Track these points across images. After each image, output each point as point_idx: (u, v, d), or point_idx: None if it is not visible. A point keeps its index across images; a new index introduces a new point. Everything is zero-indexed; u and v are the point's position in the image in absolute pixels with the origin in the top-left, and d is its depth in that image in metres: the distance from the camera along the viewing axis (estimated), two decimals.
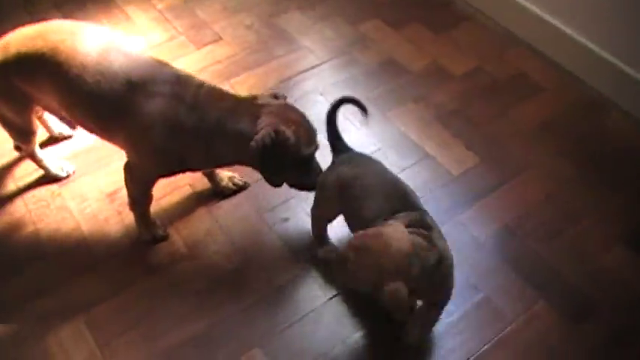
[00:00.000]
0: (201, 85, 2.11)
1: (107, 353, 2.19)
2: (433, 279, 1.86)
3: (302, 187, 2.21)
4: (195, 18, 3.40)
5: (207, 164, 2.24)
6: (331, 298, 2.30)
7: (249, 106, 2.07)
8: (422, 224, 1.90)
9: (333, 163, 2.19)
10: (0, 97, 2.31)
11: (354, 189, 2.05)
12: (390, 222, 1.87)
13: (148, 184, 2.33)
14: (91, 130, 2.28)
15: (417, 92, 3.00)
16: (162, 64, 2.15)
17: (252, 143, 1.96)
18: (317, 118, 2.52)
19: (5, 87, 2.25)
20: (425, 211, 2.02)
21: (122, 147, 2.24)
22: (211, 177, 2.57)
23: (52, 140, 2.81)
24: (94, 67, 2.09)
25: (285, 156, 2.02)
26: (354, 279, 1.84)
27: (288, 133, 1.99)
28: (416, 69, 3.11)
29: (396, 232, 1.81)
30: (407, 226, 1.85)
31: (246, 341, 2.19)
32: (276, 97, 2.14)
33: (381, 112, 2.90)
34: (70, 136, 2.85)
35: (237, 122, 2.02)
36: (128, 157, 2.26)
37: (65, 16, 3.25)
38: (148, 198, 2.38)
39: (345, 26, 3.33)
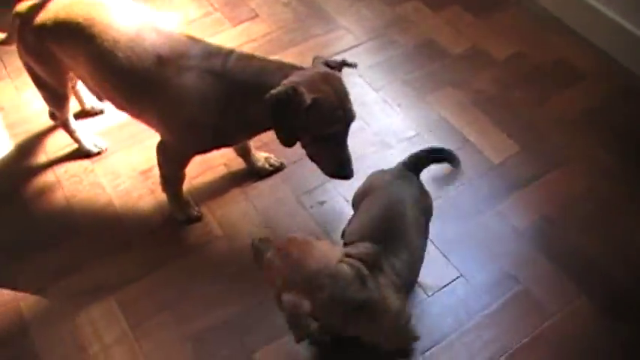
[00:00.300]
0: (230, 52, 2.05)
1: (138, 334, 2.17)
2: (347, 317, 1.76)
3: (321, 165, 2.09)
4: None
5: (241, 133, 2.15)
6: None
7: (280, 66, 1.99)
8: (372, 263, 1.78)
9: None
10: (35, 59, 2.31)
11: (366, 197, 2.03)
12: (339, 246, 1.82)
13: (181, 163, 2.29)
14: (121, 107, 2.25)
15: (456, 76, 2.93)
16: (193, 40, 2.10)
17: (267, 96, 1.87)
18: (355, 99, 2.46)
19: (41, 49, 2.24)
20: (401, 259, 1.86)
21: (153, 125, 2.21)
22: (247, 157, 2.52)
23: (84, 114, 2.79)
24: (126, 43, 2.06)
25: (297, 117, 1.89)
26: (266, 277, 1.79)
27: (307, 96, 1.86)
28: (455, 52, 3.05)
29: (327, 251, 1.75)
30: (348, 255, 1.77)
31: (278, 328, 2.15)
32: (328, 65, 2.03)
33: (419, 96, 2.84)
34: (101, 111, 2.82)
35: (264, 80, 1.93)
36: (161, 135, 2.22)
37: None
38: (181, 178, 2.35)
39: (383, 7, 3.27)
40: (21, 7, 2.26)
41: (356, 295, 1.72)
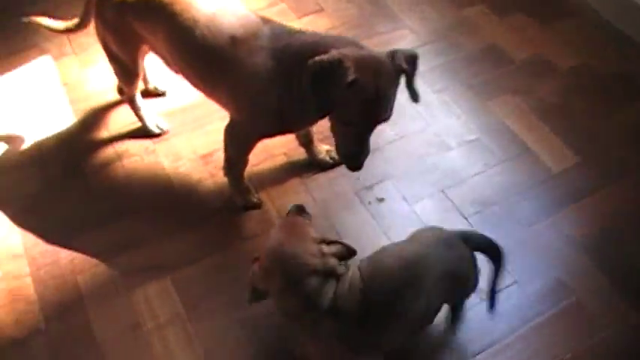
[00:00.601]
0: (294, 32, 2.05)
1: (192, 315, 2.20)
2: (298, 292, 1.73)
3: (336, 145, 2.04)
4: None
5: (304, 115, 2.10)
6: None
7: (336, 41, 1.93)
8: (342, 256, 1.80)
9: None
10: (113, 33, 2.35)
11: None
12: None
13: (248, 145, 2.31)
14: (195, 84, 2.28)
15: (519, 83, 2.92)
16: (264, 20, 2.13)
17: (310, 61, 1.82)
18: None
19: (120, 23, 2.28)
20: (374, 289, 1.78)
21: (223, 103, 2.23)
22: (309, 148, 2.54)
23: (146, 94, 2.82)
24: (204, 22, 2.09)
25: (333, 90, 1.82)
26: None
27: (351, 72, 1.78)
28: (519, 59, 3.03)
29: (308, 232, 1.79)
30: (323, 242, 1.79)
31: None
32: (392, 56, 1.90)
33: (480, 101, 2.83)
34: (163, 93, 2.86)
35: (316, 53, 1.85)
36: (231, 114, 2.25)
37: None
38: (244, 162, 2.37)
39: (448, 8, 3.26)
40: None
41: (309, 276, 1.72)
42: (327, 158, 2.56)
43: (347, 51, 1.84)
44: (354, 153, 1.98)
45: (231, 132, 2.27)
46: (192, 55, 2.14)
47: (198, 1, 2.13)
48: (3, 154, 2.68)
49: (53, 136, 2.74)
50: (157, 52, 2.37)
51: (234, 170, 2.39)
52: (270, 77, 2.00)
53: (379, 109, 1.88)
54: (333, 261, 1.77)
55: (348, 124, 1.91)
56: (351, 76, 1.78)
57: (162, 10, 2.14)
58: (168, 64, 2.40)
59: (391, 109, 1.91)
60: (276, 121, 2.11)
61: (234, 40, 2.05)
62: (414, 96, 1.99)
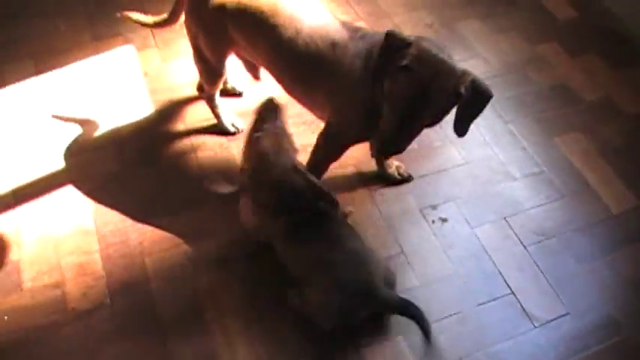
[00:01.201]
0: (376, 33, 2.19)
1: (254, 309, 2.28)
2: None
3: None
4: (376, 6, 3.45)
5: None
6: (480, 305, 2.32)
7: (421, 39, 2.01)
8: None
9: None
10: (206, 34, 2.43)
11: None
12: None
13: (339, 149, 2.39)
14: (291, 88, 2.38)
15: (585, 123, 2.97)
16: (353, 24, 2.27)
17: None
18: (488, 129, 2.64)
19: (216, 27, 2.37)
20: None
21: (320, 107, 2.33)
22: (380, 161, 2.62)
23: (224, 93, 2.90)
24: (307, 31, 2.20)
25: (391, 68, 1.94)
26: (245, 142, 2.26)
27: (410, 58, 1.89)
28: (587, 99, 3.08)
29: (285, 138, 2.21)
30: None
31: (392, 331, 2.25)
32: (463, 76, 1.93)
33: (547, 136, 2.89)
34: (240, 93, 2.95)
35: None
36: (327, 118, 2.33)
37: None
38: (327, 167, 2.46)
39: (522, 43, 3.32)
40: None
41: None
42: (396, 174, 2.63)
43: (425, 44, 1.93)
44: (388, 137, 2.01)
45: (326, 136, 2.35)
46: (294, 62, 2.24)
47: (299, 12, 2.23)
48: (82, 134, 2.78)
49: (132, 123, 2.84)
50: (253, 59, 2.46)
51: (316, 174, 2.46)
52: (363, 76, 2.10)
53: (419, 108, 1.93)
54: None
55: (393, 107, 1.97)
56: (405, 61, 1.89)
57: (264, 22, 2.23)
58: (251, 67, 2.49)
59: (435, 117, 1.99)
60: (367, 122, 2.18)
61: (334, 45, 2.16)
62: (459, 129, 2.03)
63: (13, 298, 2.31)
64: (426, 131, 2.50)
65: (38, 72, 3.04)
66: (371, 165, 2.67)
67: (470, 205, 2.58)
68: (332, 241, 2.12)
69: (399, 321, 2.19)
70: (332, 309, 2.07)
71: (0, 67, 3.06)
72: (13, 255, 2.42)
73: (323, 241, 2.12)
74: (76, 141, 2.78)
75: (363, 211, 2.54)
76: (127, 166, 2.68)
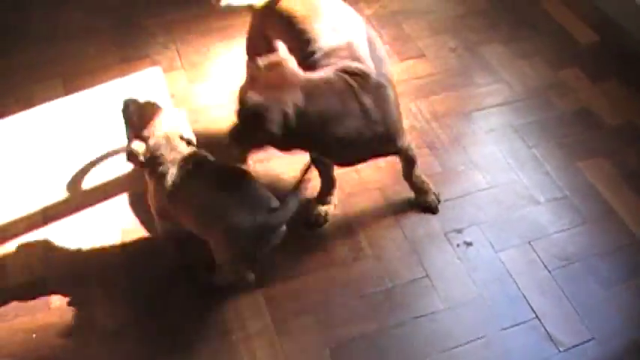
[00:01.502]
0: None
1: (281, 329, 2.30)
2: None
3: None
4: (400, 30, 3.49)
5: None
6: (505, 329, 2.33)
7: None
8: None
9: None
10: (252, 39, 2.55)
11: None
12: None
13: None
14: None
15: (608, 148, 2.97)
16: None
17: None
18: (512, 153, 2.78)
19: (257, 32, 2.49)
20: None
21: None
22: (416, 187, 2.66)
23: None
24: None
25: None
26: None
27: None
28: (610, 124, 3.08)
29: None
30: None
31: (416, 354, 2.26)
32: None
33: (570, 160, 2.90)
34: None
35: None
36: None
37: None
38: None
39: (545, 68, 3.34)
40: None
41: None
42: (436, 200, 2.66)
43: None
44: None
45: None
46: None
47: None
48: (110, 153, 2.85)
49: None
50: None
51: None
52: None
53: None
54: None
55: None
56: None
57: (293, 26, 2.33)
58: None
59: None
60: None
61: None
62: None
63: (41, 317, 2.34)
64: (450, 155, 2.56)
65: (67, 92, 3.09)
66: (395, 188, 2.70)
67: (494, 229, 2.60)
68: (214, 188, 2.17)
69: None
70: (234, 252, 2.20)
71: (30, 86, 3.12)
72: (41, 273, 2.46)
73: (205, 190, 2.17)
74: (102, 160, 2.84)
75: (387, 234, 2.57)
76: None
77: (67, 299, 2.38)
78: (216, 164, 2.26)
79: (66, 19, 3.51)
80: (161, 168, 2.18)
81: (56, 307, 2.36)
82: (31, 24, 3.50)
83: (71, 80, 3.15)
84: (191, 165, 2.19)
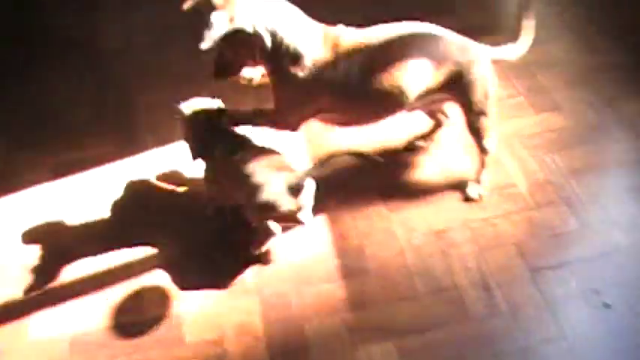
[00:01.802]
0: None
1: None
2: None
3: None
4: (535, 82, 3.45)
5: None
6: None
7: None
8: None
9: None
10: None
11: None
12: None
13: None
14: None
15: None
16: None
17: None
18: None
19: None
20: None
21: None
22: None
23: None
24: None
25: None
26: None
27: None
28: None
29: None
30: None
31: None
32: None
33: None
34: None
35: None
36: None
37: None
38: None
39: None
40: None
41: None
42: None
43: None
44: None
45: None
46: None
47: None
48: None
49: None
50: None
51: None
52: None
53: None
54: None
55: None
56: None
57: None
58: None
59: None
60: None
61: None
62: None
63: (176, 351, 2.41)
64: (587, 212, 2.55)
65: None
66: (532, 245, 2.66)
67: (636, 291, 2.51)
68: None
69: None
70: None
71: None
72: (176, 309, 2.53)
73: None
74: None
75: (523, 291, 2.52)
76: None
77: (199, 336, 2.44)
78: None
79: None
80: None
81: (191, 343, 2.43)
82: None
83: None
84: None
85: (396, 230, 2.74)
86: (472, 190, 2.83)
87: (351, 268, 2.62)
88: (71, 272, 2.66)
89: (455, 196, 2.82)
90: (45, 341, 2.45)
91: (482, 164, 2.81)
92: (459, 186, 2.88)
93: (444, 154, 3.06)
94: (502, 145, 3.03)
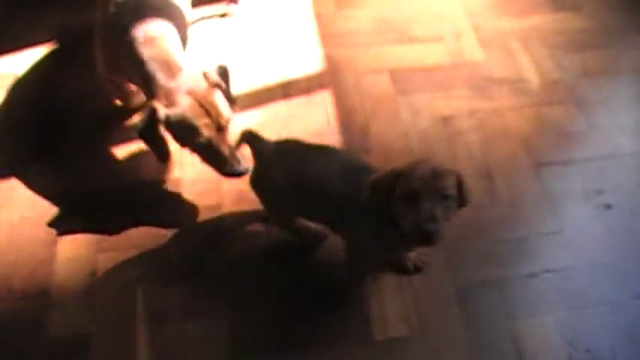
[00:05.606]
0: None
1: None
2: None
3: None
4: None
5: None
6: (636, 299, 2.25)
7: None
8: None
9: None
10: None
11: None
12: None
13: None
14: None
15: None
16: None
17: None
18: None
19: None
20: None
21: None
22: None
23: None
24: None
25: None
26: None
27: None
28: None
29: None
30: None
31: (541, 307, 2.20)
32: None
33: None
34: None
35: None
36: None
37: None
38: None
39: None
40: None
41: None
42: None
43: None
44: None
45: None
46: None
47: None
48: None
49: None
50: None
51: None
52: None
53: None
54: None
55: None
56: None
57: None
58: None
59: None
60: None
61: None
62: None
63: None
64: (597, 115, 2.59)
65: None
66: (538, 139, 2.63)
67: (637, 195, 2.50)
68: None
69: None
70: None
71: None
72: (176, 173, 2.53)
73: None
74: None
75: (525, 183, 2.50)
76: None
77: (198, 200, 2.43)
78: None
79: None
80: None
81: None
82: None
83: None
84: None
85: (402, 113, 2.70)
86: None
87: (354, 146, 2.59)
88: None
89: (465, 84, 2.75)
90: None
91: None
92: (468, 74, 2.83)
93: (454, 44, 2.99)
94: (517, 39, 2.97)
